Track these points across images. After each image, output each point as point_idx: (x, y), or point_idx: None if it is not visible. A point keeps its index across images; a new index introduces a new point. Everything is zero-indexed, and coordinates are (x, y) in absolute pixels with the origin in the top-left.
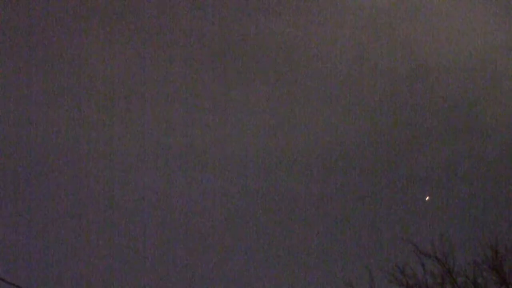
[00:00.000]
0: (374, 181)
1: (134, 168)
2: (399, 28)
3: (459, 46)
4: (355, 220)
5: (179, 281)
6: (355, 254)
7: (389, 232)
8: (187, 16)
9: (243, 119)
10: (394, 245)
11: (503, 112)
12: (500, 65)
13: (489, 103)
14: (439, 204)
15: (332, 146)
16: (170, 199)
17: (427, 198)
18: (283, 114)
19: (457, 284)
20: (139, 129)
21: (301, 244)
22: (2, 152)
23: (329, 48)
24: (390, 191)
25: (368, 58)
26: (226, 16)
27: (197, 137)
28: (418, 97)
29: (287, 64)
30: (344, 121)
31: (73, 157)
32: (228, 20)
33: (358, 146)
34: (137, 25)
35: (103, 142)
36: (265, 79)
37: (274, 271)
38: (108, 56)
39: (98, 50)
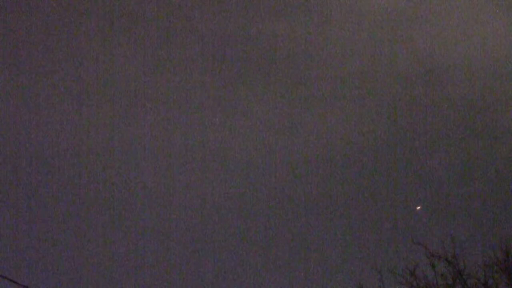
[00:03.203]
0: (386, 182)
1: (136, 168)
2: (412, 30)
3: (474, 48)
4: (365, 221)
5: (180, 283)
6: (365, 256)
7: (399, 233)
8: (195, 17)
9: (251, 121)
10: (404, 247)
11: None
12: None
13: (504, 106)
14: (450, 205)
15: (345, 148)
16: (173, 201)
17: (418, 208)
18: (294, 116)
19: (467, 286)
20: (142, 130)
21: (310, 246)
22: (3, 152)
23: (341, 50)
24: (401, 193)
25: (381, 60)
26: (236, 17)
27: (201, 138)
28: (432, 100)
29: (298, 67)
30: (357, 124)
31: (74, 157)
32: (238, 21)
33: (371, 149)
34: (142, 25)
35: (105, 142)
36: (275, 81)
37: (282, 272)
38: (109, 56)
39: (99, 50)
